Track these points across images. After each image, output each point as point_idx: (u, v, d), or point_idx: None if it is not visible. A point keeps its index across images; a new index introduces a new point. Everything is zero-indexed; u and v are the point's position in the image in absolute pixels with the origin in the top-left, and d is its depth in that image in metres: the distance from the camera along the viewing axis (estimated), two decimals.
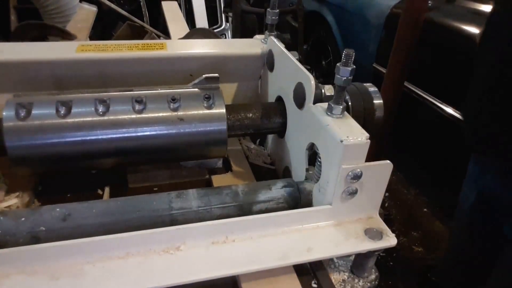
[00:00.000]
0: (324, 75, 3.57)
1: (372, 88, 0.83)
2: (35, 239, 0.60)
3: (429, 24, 2.04)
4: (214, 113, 0.80)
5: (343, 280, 0.68)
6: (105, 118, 0.74)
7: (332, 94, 0.76)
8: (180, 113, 0.78)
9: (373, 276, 0.70)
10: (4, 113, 0.69)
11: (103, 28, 3.01)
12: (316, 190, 0.71)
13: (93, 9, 1.69)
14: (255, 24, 3.63)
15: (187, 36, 1.31)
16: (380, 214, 0.70)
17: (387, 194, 2.31)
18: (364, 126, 0.67)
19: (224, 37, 3.78)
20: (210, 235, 0.61)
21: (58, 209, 0.63)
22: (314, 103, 0.72)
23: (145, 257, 0.58)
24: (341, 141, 0.61)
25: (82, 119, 0.72)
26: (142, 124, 0.75)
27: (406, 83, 2.20)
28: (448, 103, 2.06)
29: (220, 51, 0.95)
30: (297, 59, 0.82)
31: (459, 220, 1.32)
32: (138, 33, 1.76)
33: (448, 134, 2.12)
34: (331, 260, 0.71)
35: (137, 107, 0.76)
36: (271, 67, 0.94)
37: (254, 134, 1.01)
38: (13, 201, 0.78)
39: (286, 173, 0.90)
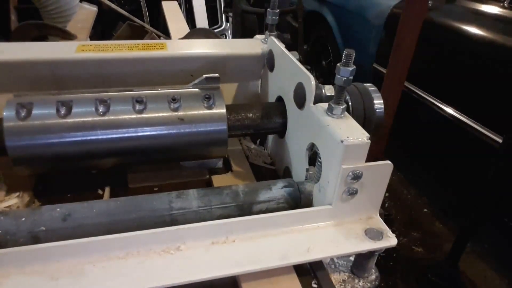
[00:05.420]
0: (324, 75, 3.57)
1: (372, 88, 0.83)
2: (35, 239, 0.60)
3: (429, 24, 2.04)
4: (215, 113, 0.80)
5: (343, 280, 0.68)
6: (106, 118, 0.74)
7: (333, 94, 0.76)
8: (180, 113, 0.78)
9: (373, 276, 0.70)
10: (4, 113, 0.69)
11: (103, 28, 3.01)
12: (317, 190, 0.71)
13: (93, 9, 1.69)
14: (255, 24, 3.64)
15: (187, 36, 1.31)
16: (380, 214, 0.70)
17: (387, 194, 2.30)
18: (364, 126, 0.67)
19: (224, 37, 3.79)
20: (210, 235, 0.61)
21: (58, 209, 0.63)
22: (315, 103, 0.72)
23: (145, 257, 0.58)
24: (342, 141, 0.61)
25: (82, 119, 0.72)
26: (142, 124, 0.75)
27: (406, 83, 2.20)
28: (448, 103, 2.06)
29: (221, 51, 0.95)
30: (297, 59, 0.82)
31: None
32: (138, 33, 1.76)
33: (448, 134, 2.12)
34: (331, 260, 0.71)
35: (138, 107, 0.76)
36: (271, 67, 0.94)
37: (254, 134, 1.01)
38: (13, 201, 0.78)
39: (286, 173, 0.90)
